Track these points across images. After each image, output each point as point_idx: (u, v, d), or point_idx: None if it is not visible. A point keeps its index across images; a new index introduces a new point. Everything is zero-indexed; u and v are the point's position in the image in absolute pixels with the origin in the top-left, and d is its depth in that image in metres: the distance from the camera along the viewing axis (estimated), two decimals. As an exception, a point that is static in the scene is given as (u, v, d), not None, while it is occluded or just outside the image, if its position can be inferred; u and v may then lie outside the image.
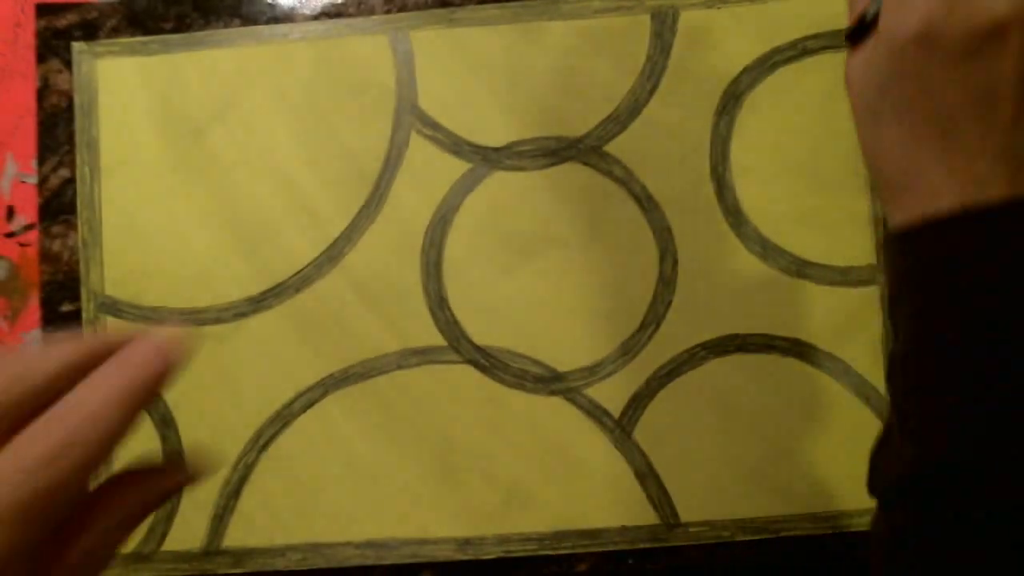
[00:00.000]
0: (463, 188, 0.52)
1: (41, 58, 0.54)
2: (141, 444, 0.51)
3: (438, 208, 0.52)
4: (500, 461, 0.51)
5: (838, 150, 0.51)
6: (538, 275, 0.51)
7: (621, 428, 0.50)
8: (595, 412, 0.51)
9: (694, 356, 0.51)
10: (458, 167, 0.52)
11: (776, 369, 0.50)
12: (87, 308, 0.52)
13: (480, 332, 0.51)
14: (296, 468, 0.51)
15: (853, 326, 0.50)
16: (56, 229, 0.53)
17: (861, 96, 0.31)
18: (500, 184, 0.52)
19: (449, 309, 0.51)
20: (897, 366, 0.30)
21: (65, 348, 0.23)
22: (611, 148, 0.51)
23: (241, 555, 0.51)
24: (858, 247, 0.50)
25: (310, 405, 0.51)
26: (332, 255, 0.52)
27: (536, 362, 0.51)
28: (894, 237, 0.30)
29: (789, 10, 0.51)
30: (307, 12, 0.53)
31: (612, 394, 0.51)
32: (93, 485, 0.25)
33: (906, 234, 0.29)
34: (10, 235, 0.54)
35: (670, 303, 0.51)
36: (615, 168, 0.51)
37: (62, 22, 0.54)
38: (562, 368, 0.51)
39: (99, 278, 0.52)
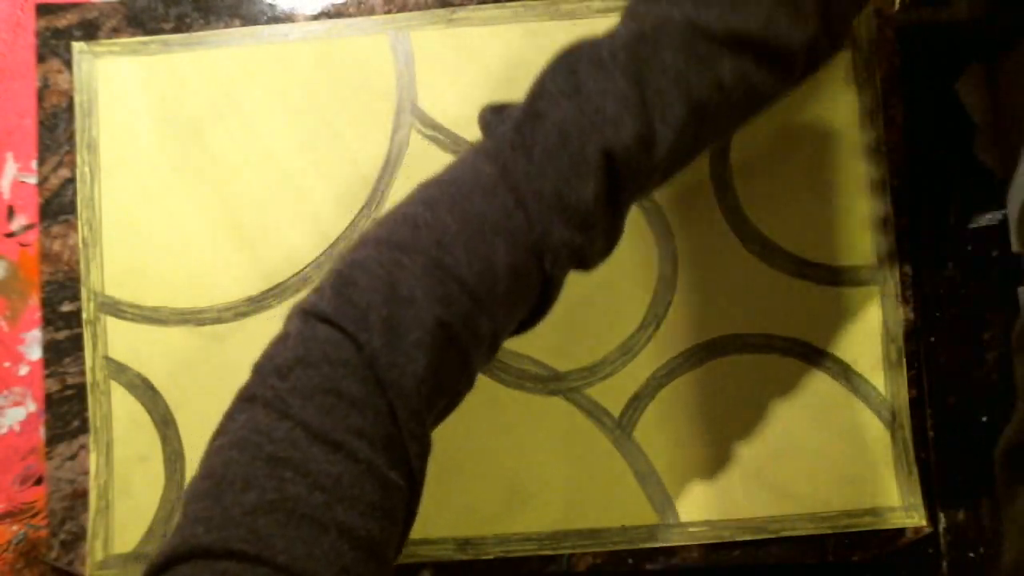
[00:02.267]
0: (463, 188, 0.52)
1: (41, 58, 0.54)
2: (141, 444, 0.51)
3: (438, 208, 0.52)
4: (500, 461, 0.51)
5: (838, 150, 0.51)
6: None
7: (621, 428, 0.50)
8: (595, 412, 0.51)
9: (694, 356, 0.51)
10: (458, 167, 0.52)
11: (776, 369, 0.50)
12: (87, 308, 0.52)
13: (480, 332, 0.51)
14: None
15: (853, 326, 0.50)
16: (56, 229, 0.53)
17: None
18: (500, 184, 0.52)
19: (449, 309, 0.51)
20: None
21: None
22: (611, 148, 0.51)
23: (241, 555, 0.51)
24: (858, 247, 0.50)
25: (310, 405, 0.51)
26: (332, 255, 0.52)
27: (536, 362, 0.51)
28: None
29: (789, 10, 0.51)
30: (307, 12, 0.53)
31: (612, 394, 0.51)
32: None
33: None
34: (10, 235, 0.54)
35: (670, 303, 0.51)
36: (615, 168, 0.51)
37: (62, 22, 0.54)
38: (562, 368, 0.51)
39: (99, 278, 0.52)
